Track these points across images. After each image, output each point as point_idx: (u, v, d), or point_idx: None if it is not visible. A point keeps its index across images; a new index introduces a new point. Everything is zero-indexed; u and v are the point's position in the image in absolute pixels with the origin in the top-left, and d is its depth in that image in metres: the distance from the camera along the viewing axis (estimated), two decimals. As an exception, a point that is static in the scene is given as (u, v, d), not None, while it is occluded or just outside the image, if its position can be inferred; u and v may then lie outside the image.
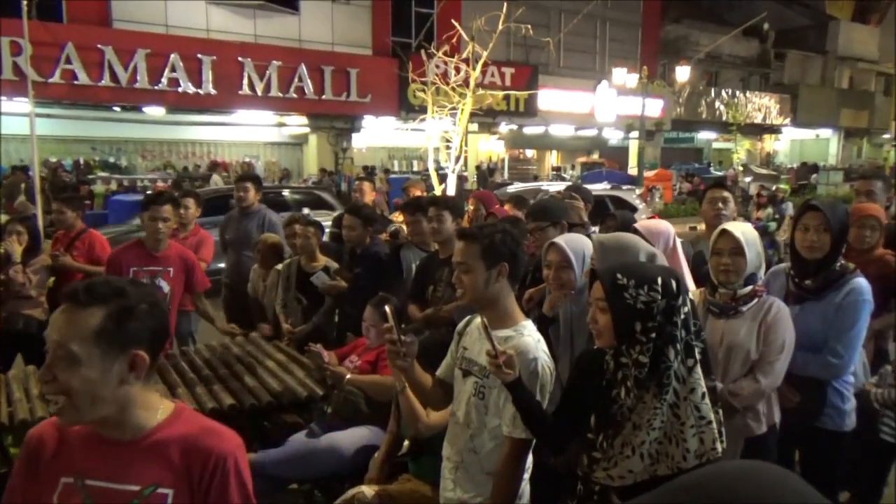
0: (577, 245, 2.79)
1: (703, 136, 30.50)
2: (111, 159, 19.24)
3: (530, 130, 23.14)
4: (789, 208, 11.32)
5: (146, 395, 1.46)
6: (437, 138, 8.99)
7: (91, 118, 16.89)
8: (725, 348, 2.61)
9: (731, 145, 27.36)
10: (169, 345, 4.17)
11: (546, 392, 2.16)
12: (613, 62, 22.44)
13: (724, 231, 2.63)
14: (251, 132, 20.05)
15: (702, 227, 4.03)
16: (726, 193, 3.72)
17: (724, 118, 27.27)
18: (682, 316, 1.83)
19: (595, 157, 26.83)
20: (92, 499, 1.40)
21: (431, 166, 8.92)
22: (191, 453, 1.44)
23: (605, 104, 23.03)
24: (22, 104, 13.42)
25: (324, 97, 18.13)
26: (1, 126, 16.46)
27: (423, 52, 9.28)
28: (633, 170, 21.67)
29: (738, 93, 29.08)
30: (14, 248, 4.39)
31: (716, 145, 32.01)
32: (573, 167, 26.10)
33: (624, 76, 19.16)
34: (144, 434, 1.44)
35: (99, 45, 15.09)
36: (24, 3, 12.30)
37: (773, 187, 16.68)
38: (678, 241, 3.11)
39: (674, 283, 1.84)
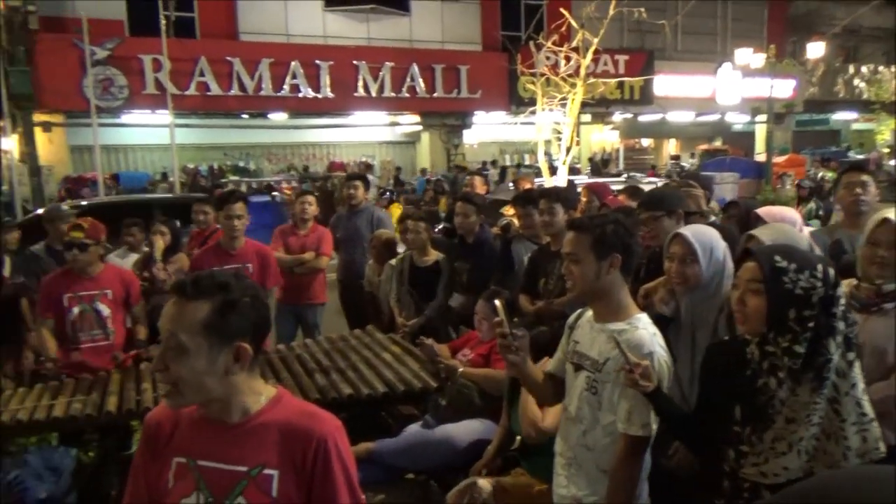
0: (705, 237, 2.58)
1: (841, 116, 28.05)
2: (241, 164, 20.56)
3: (646, 118, 22.29)
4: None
5: (251, 381, 1.53)
6: (547, 130, 8.87)
7: (222, 126, 18.15)
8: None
9: (874, 126, 24.98)
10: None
11: (664, 388, 2.08)
12: (736, 42, 21.12)
13: (887, 220, 2.32)
14: (366, 132, 20.71)
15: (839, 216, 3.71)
16: (865, 177, 3.39)
17: (864, 96, 24.95)
18: (841, 307, 1.72)
19: (717, 143, 25.43)
20: (204, 478, 1.49)
21: (542, 159, 8.81)
22: (292, 436, 1.50)
23: (729, 87, 21.70)
24: (163, 116, 14.65)
25: (435, 95, 18.40)
26: (146, 137, 18.08)
27: (531, 43, 9.18)
28: (760, 156, 20.35)
29: (880, 68, 26.49)
30: (158, 246, 4.79)
31: (855, 126, 29.34)
32: (693, 155, 24.87)
33: (749, 56, 17.97)
34: (249, 418, 1.51)
35: (228, 58, 16.16)
36: (163, 23, 13.42)
37: (819, 175, 14.94)
38: (806, 229, 2.88)
39: (832, 273, 1.74)
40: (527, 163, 21.69)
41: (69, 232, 3.94)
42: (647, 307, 2.72)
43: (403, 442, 3.28)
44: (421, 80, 18.04)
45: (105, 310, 3.98)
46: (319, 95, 17.12)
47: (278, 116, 17.86)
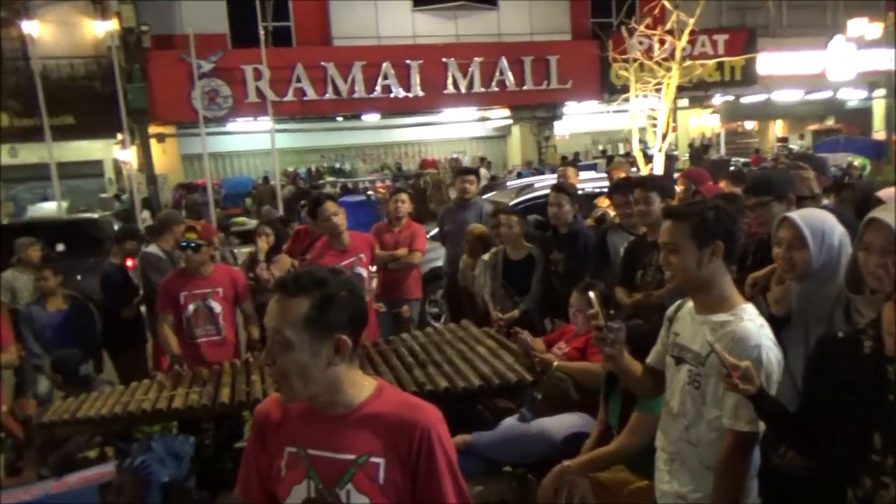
0: (815, 220, 2.39)
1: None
2: (337, 165, 21.24)
3: (749, 100, 21.13)
4: None
5: (352, 373, 1.59)
6: (642, 118, 8.59)
7: (318, 129, 18.81)
8: None
9: None
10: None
11: (773, 384, 1.96)
12: (849, 13, 19.65)
13: (874, 220, 1.88)
14: (457, 129, 20.85)
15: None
16: None
17: None
18: None
19: (830, 123, 23.74)
20: (314, 467, 1.56)
21: (636, 147, 8.55)
22: (397, 426, 1.55)
23: (841, 61, 20.21)
24: (264, 123, 15.35)
25: (524, 88, 18.25)
26: (249, 143, 19.02)
27: (623, 28, 8.91)
28: (878, 134, 18.82)
29: None
30: (262, 247, 5.04)
31: None
32: (802, 137, 23.35)
33: (864, 27, 16.68)
34: (353, 409, 1.57)
35: (322, 63, 16.72)
36: (262, 33, 14.06)
37: (847, 161, 13.15)
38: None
39: None
40: (621, 152, 21.13)
41: (184, 234, 4.20)
42: (753, 297, 2.58)
43: (500, 434, 3.28)
44: (510, 74, 17.95)
45: (217, 307, 4.20)
46: (410, 94, 17.40)
47: (371, 117, 18.31)
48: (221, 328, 4.23)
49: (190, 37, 12.71)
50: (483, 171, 17.19)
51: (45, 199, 17.92)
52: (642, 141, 8.68)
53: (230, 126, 17.59)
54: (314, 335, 1.49)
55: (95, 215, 10.43)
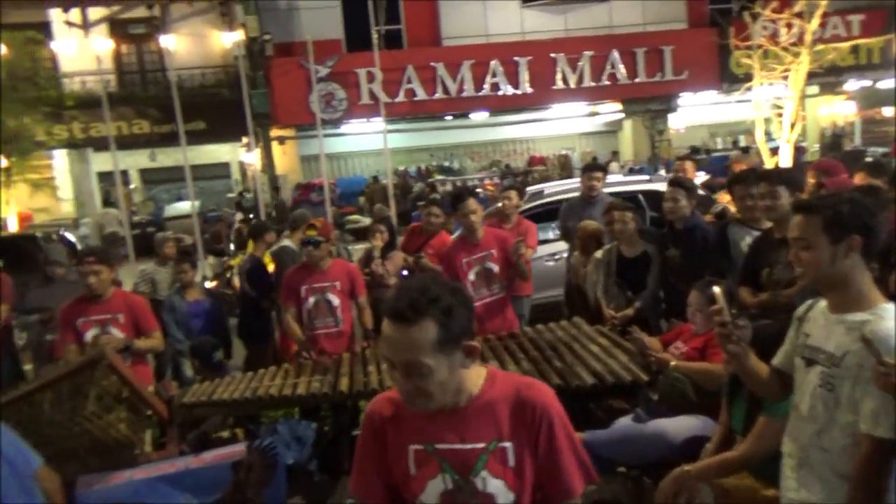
0: None
1: None
2: (446, 163, 21.54)
3: (887, 85, 19.34)
4: None
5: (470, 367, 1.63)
6: (766, 107, 8.11)
7: (428, 129, 19.15)
8: None
9: None
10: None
11: None
12: None
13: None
14: (566, 125, 20.54)
15: None
16: None
17: None
18: None
19: None
20: (447, 460, 1.60)
21: (761, 139, 8.08)
22: (517, 408, 1.60)
23: None
24: (376, 124, 15.85)
25: (637, 80, 17.71)
26: (362, 144, 19.68)
27: (746, 13, 8.45)
28: None
29: None
30: (377, 244, 5.24)
31: None
32: (954, 123, 21.07)
33: None
34: (474, 398, 1.61)
35: (432, 63, 17.02)
36: (375, 37, 14.50)
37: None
38: None
39: None
40: (741, 144, 20.01)
41: (305, 231, 4.44)
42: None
43: (615, 434, 3.23)
44: (622, 66, 17.47)
45: (335, 300, 4.41)
46: (518, 91, 17.34)
47: (479, 115, 18.42)
48: (339, 320, 4.43)
49: (308, 44, 13.32)
50: (614, 165, 16.80)
51: (180, 198, 19.45)
52: (767, 132, 8.19)
53: (344, 128, 18.28)
54: (447, 352, 1.52)
55: (36, 232, 10.65)
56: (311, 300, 4.39)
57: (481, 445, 1.58)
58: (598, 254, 4.85)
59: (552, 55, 17.33)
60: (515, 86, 17.29)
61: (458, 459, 1.59)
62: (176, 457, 3.46)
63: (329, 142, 17.29)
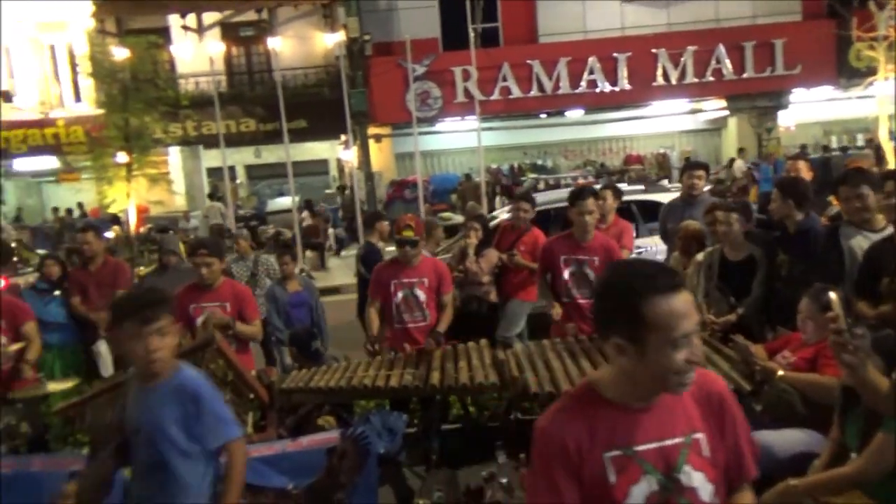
0: None
1: None
2: (539, 162, 21.34)
3: None
4: None
5: None
6: (890, 104, 7.52)
7: (522, 127, 19.05)
8: None
9: None
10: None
11: None
12: None
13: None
14: (665, 123, 19.88)
15: None
16: None
17: None
18: None
19: None
20: (648, 461, 1.54)
21: (884, 137, 7.50)
22: (701, 398, 1.60)
23: None
24: (470, 122, 15.93)
25: (744, 76, 16.89)
26: (456, 142, 19.83)
27: (871, 3, 7.87)
28: None
29: None
30: (471, 241, 5.25)
31: None
32: None
33: None
34: (659, 395, 1.57)
35: (528, 61, 16.91)
36: (471, 35, 14.58)
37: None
38: None
39: None
40: (859, 143, 18.67)
41: (401, 230, 4.50)
42: None
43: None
44: (728, 61, 16.72)
45: (422, 295, 4.45)
46: (616, 88, 16.95)
47: (575, 113, 18.13)
48: (426, 315, 4.46)
49: (406, 43, 13.58)
50: (738, 164, 16.08)
51: (282, 194, 20.32)
52: (892, 130, 7.60)
53: (439, 125, 18.48)
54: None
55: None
56: (400, 295, 4.45)
57: (679, 440, 1.56)
58: (700, 256, 4.66)
59: (653, 51, 16.81)
60: (613, 83, 16.89)
61: (660, 458, 1.54)
62: (274, 440, 3.62)
63: (423, 139, 17.53)
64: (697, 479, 1.54)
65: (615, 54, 16.80)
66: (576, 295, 4.36)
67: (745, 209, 4.50)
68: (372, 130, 18.04)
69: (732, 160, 16.65)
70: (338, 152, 20.56)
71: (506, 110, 17.46)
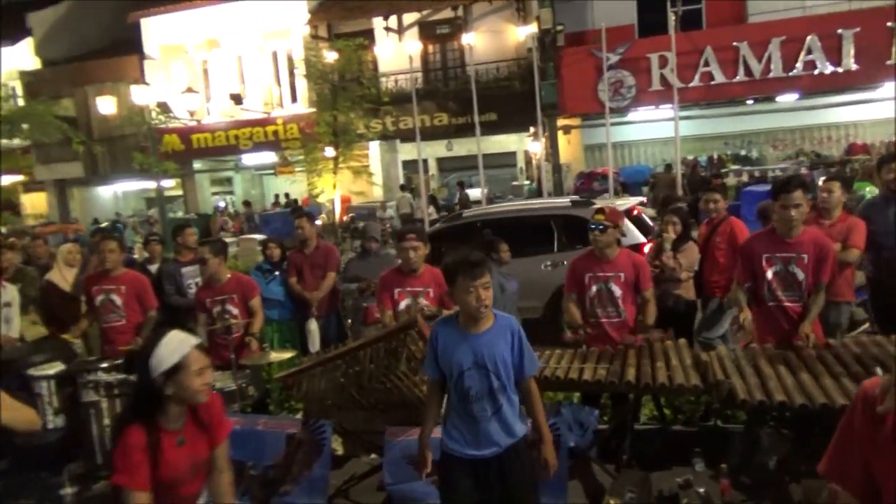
0: None
1: None
2: (742, 152, 19.72)
3: None
4: None
5: None
6: None
7: (724, 115, 17.71)
8: None
9: None
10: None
11: None
12: None
13: None
14: (899, 107, 17.35)
15: None
16: None
17: None
18: None
19: None
20: None
21: None
22: None
23: None
24: (666, 111, 15.15)
25: None
26: (648, 132, 18.99)
27: None
28: None
29: None
30: (669, 235, 4.99)
31: None
32: None
33: None
34: None
35: (734, 43, 15.67)
36: (672, 19, 13.82)
37: None
38: None
39: None
40: None
41: (593, 216, 4.38)
42: None
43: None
44: None
45: (617, 290, 4.28)
46: (840, 69, 15.14)
47: (787, 98, 16.47)
48: (621, 311, 4.30)
49: (602, 31, 13.23)
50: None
51: (471, 185, 20.88)
52: None
53: (630, 115, 17.81)
54: None
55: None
56: (594, 288, 4.32)
57: None
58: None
59: (888, 25, 14.71)
60: (836, 63, 15.09)
61: None
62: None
63: (614, 130, 17.02)
64: None
65: (840, 31, 14.97)
66: (781, 297, 3.93)
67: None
68: (561, 122, 17.88)
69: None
70: (526, 144, 20.64)
71: (706, 97, 16.34)
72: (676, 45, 14.07)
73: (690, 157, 19.20)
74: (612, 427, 4.22)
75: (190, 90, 17.05)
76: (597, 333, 4.30)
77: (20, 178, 24.29)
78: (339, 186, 17.11)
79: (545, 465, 2.86)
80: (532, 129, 17.25)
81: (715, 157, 19.49)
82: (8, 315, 5.21)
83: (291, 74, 20.37)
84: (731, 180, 16.78)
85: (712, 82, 15.88)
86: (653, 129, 18.15)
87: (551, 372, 3.79)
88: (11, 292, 5.33)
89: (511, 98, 17.37)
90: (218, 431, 2.43)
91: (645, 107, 17.01)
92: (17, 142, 20.29)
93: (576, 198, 9.03)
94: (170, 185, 21.45)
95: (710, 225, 5.46)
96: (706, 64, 15.84)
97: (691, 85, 15.83)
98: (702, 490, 3.72)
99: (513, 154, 22.60)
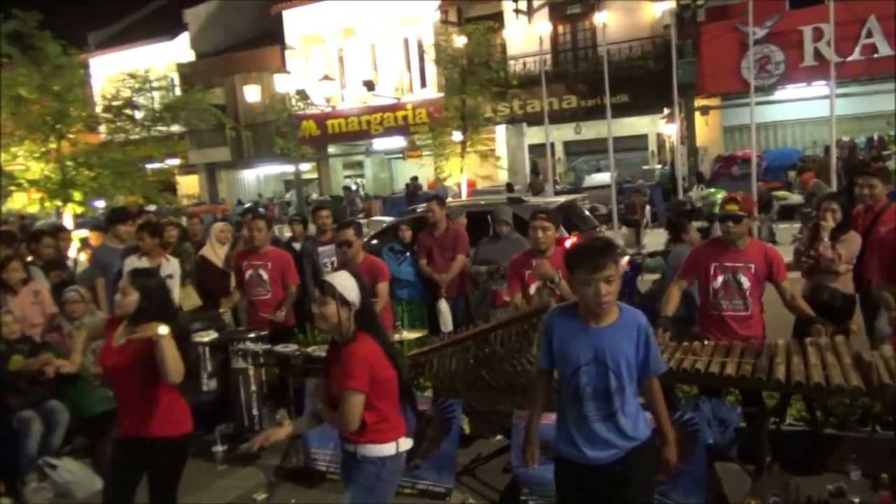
0: None
1: None
2: (909, 133, 17.74)
3: None
4: None
5: None
6: None
7: (888, 91, 15.97)
8: None
9: None
10: None
11: None
12: None
13: None
14: None
15: None
16: None
17: None
18: None
19: None
20: None
21: None
22: None
23: None
24: (819, 88, 13.90)
25: None
26: (797, 112, 17.54)
27: None
28: None
29: None
30: (827, 224, 4.56)
31: None
32: None
33: None
34: None
35: (904, 11, 14.07)
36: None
37: None
38: None
39: None
40: None
41: (725, 205, 4.09)
42: None
43: None
44: None
45: (746, 282, 3.96)
46: None
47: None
48: (749, 304, 4.00)
49: (749, 4, 12.30)
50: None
51: (599, 169, 20.32)
52: None
53: (777, 94, 16.51)
54: None
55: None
56: (720, 279, 4.03)
57: None
58: None
59: None
60: None
61: None
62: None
63: (757, 110, 15.87)
64: None
65: None
66: None
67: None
68: (698, 102, 16.94)
69: None
70: (658, 127, 19.74)
71: (867, 73, 14.82)
72: (835, 16, 12.83)
73: (846, 139, 17.54)
74: (755, 426, 3.97)
75: (326, 77, 17.81)
76: (718, 326, 4.04)
77: (177, 161, 26.61)
78: (466, 170, 17.25)
79: (666, 465, 2.68)
80: (667, 111, 16.46)
81: (875, 138, 17.66)
82: (170, 286, 5.72)
83: (421, 60, 20.74)
84: (893, 164, 15.15)
85: (875, 55, 14.37)
86: (800, 108, 16.76)
87: (690, 364, 3.61)
88: (174, 265, 5.84)
89: (644, 78, 16.66)
90: None
91: (794, 84, 15.72)
92: (175, 128, 22.21)
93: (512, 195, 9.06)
94: (306, 168, 22.61)
95: (871, 212, 4.95)
96: (868, 35, 14.34)
97: (850, 59, 14.41)
98: (857, 500, 3.44)
99: (644, 137, 21.72)
